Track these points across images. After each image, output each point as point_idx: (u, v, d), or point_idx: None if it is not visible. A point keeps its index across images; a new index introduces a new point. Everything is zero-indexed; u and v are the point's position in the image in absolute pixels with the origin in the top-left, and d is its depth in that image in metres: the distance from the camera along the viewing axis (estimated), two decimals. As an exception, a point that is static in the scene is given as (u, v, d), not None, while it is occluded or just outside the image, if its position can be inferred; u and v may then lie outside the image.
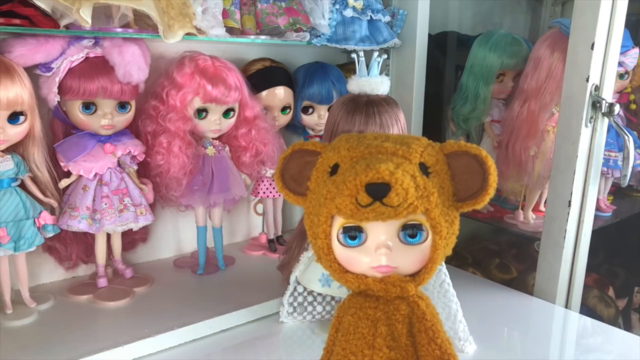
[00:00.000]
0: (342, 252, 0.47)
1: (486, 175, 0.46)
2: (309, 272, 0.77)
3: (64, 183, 0.83)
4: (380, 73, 0.78)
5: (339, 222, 0.46)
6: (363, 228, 0.46)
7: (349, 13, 1.05)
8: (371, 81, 0.76)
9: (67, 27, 0.75)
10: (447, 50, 1.35)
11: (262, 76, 1.01)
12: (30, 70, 0.77)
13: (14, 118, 0.74)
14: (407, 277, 0.47)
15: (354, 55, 0.78)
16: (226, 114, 0.92)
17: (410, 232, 0.46)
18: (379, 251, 0.46)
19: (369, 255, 0.46)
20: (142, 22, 0.83)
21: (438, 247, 0.46)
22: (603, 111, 0.90)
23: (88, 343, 0.73)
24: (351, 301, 0.50)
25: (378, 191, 0.42)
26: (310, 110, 1.07)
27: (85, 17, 0.70)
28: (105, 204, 0.83)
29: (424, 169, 0.46)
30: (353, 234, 0.46)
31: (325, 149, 0.50)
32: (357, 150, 0.46)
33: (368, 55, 0.79)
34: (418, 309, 0.48)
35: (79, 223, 0.81)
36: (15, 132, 0.75)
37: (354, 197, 0.42)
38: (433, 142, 0.50)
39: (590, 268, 1.01)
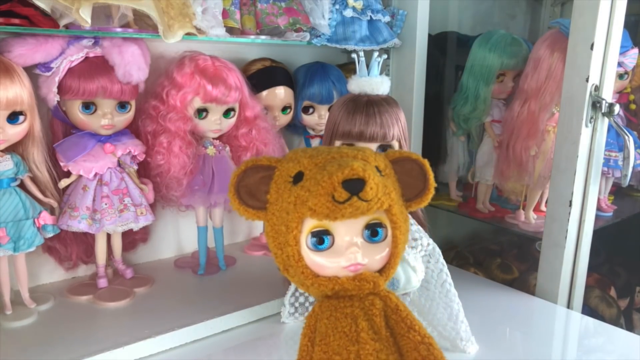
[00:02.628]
0: (312, 258, 0.49)
1: (427, 177, 0.53)
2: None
3: (63, 183, 0.83)
4: (381, 73, 0.78)
5: (307, 228, 0.48)
6: (330, 231, 0.48)
7: (349, 13, 1.05)
8: (371, 81, 0.76)
9: (66, 26, 0.75)
10: (447, 50, 1.35)
11: (262, 76, 1.01)
12: (29, 69, 0.77)
13: (13, 118, 0.74)
14: (376, 273, 0.50)
15: (354, 55, 0.78)
16: (226, 113, 0.92)
17: (373, 231, 0.49)
18: (351, 249, 0.48)
19: (342, 256, 0.48)
20: (142, 22, 0.83)
21: (399, 242, 0.50)
22: (603, 111, 0.90)
23: (88, 344, 0.73)
24: (323, 306, 0.51)
25: (355, 186, 0.45)
26: (311, 110, 1.06)
27: (84, 16, 0.70)
28: (106, 204, 0.83)
29: (378, 171, 0.50)
30: (322, 237, 0.48)
31: (281, 162, 0.52)
32: (319, 158, 0.49)
33: (368, 55, 0.79)
34: (391, 301, 0.51)
35: (79, 223, 0.81)
36: (15, 132, 0.75)
37: (331, 195, 0.45)
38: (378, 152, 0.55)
39: (591, 268, 1.01)
